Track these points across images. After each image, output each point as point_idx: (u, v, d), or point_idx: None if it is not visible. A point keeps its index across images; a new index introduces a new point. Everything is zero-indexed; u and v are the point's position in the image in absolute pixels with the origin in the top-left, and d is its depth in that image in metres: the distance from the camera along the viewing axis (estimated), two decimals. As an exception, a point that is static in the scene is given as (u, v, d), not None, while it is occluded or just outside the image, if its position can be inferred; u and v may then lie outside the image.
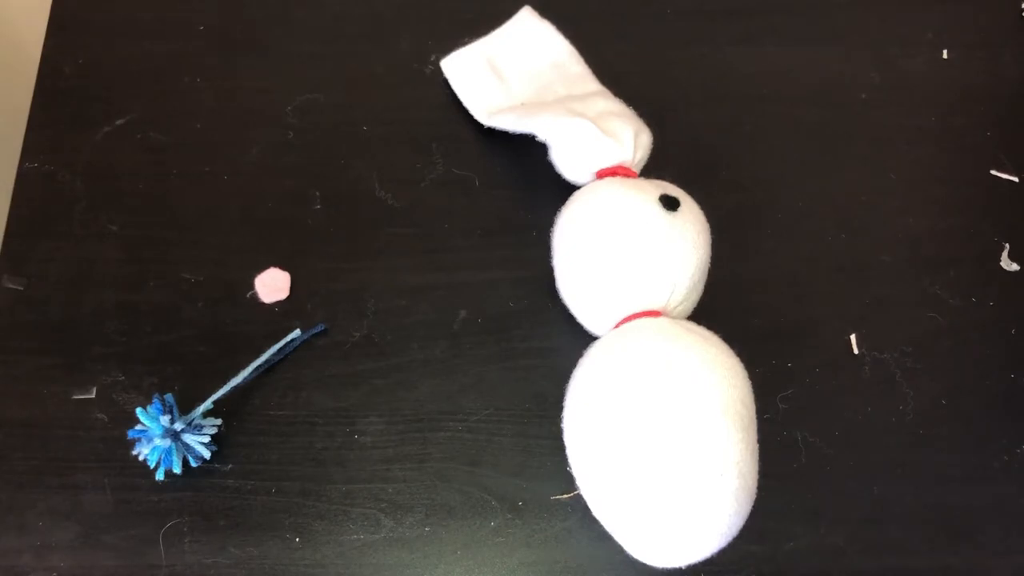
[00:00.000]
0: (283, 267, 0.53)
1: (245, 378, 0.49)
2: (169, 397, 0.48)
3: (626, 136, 0.50)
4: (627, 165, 0.50)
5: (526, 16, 0.60)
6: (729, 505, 0.40)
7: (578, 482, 0.45)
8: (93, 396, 0.50)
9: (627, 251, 0.45)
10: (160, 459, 0.47)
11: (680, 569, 0.44)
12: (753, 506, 0.42)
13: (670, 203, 0.47)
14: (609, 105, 0.53)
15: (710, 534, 0.41)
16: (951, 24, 0.62)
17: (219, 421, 0.49)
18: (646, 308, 0.46)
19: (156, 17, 0.61)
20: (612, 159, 0.50)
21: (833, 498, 0.49)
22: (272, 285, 0.53)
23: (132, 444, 0.47)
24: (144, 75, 0.59)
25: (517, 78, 0.58)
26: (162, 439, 0.46)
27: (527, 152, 0.55)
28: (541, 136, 0.52)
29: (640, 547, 0.43)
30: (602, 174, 0.50)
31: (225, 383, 0.49)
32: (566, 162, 0.51)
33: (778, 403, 0.50)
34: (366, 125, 0.58)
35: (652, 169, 0.51)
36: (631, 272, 0.45)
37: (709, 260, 0.48)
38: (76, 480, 0.48)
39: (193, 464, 0.48)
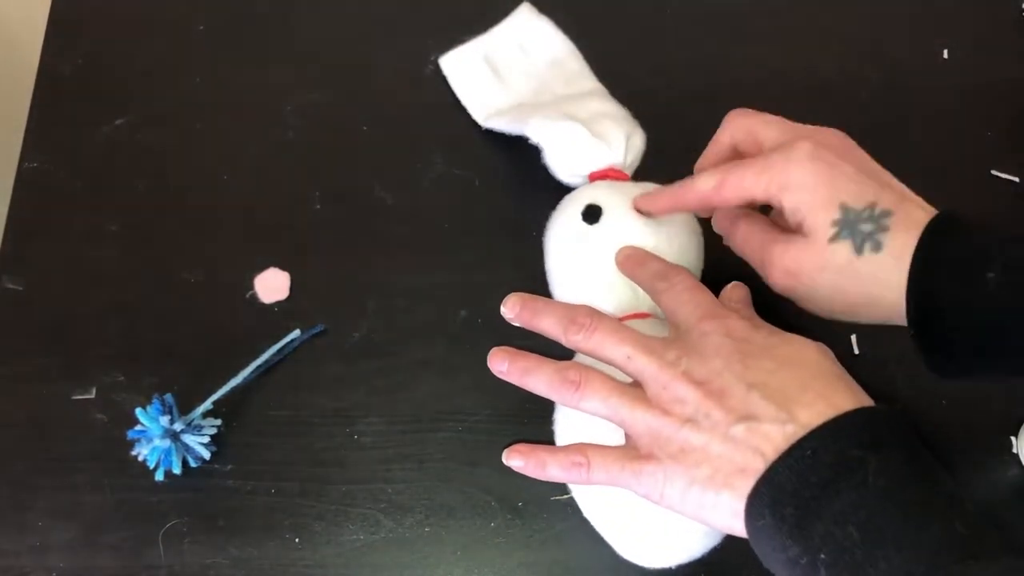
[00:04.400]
0: (283, 267, 0.53)
1: (245, 378, 0.49)
2: (169, 397, 0.48)
3: (617, 139, 0.49)
4: (618, 168, 0.50)
5: (525, 13, 0.60)
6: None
7: (569, 484, 0.45)
8: (93, 396, 0.50)
9: (613, 255, 0.46)
10: (160, 459, 0.47)
11: (670, 569, 0.44)
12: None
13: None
14: (603, 106, 0.53)
15: (703, 535, 0.42)
16: (951, 24, 0.62)
17: (219, 421, 0.49)
18: (636, 311, 0.46)
19: (156, 17, 0.61)
20: (603, 162, 0.49)
21: (833, 498, 0.49)
22: (272, 285, 0.53)
23: (132, 444, 0.47)
24: (144, 75, 0.59)
25: (515, 75, 0.58)
26: (162, 439, 0.46)
27: (527, 152, 0.55)
28: (533, 139, 0.52)
29: (629, 549, 0.43)
30: (594, 176, 0.50)
31: (225, 383, 0.49)
32: (558, 165, 0.51)
33: (778, 403, 0.50)
34: (366, 125, 0.58)
35: (651, 169, 0.51)
36: (618, 276, 0.45)
37: (701, 262, 0.48)
38: (76, 480, 0.48)
39: (193, 464, 0.48)
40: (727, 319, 0.39)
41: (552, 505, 0.48)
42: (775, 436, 0.34)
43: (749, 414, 0.35)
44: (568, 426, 0.44)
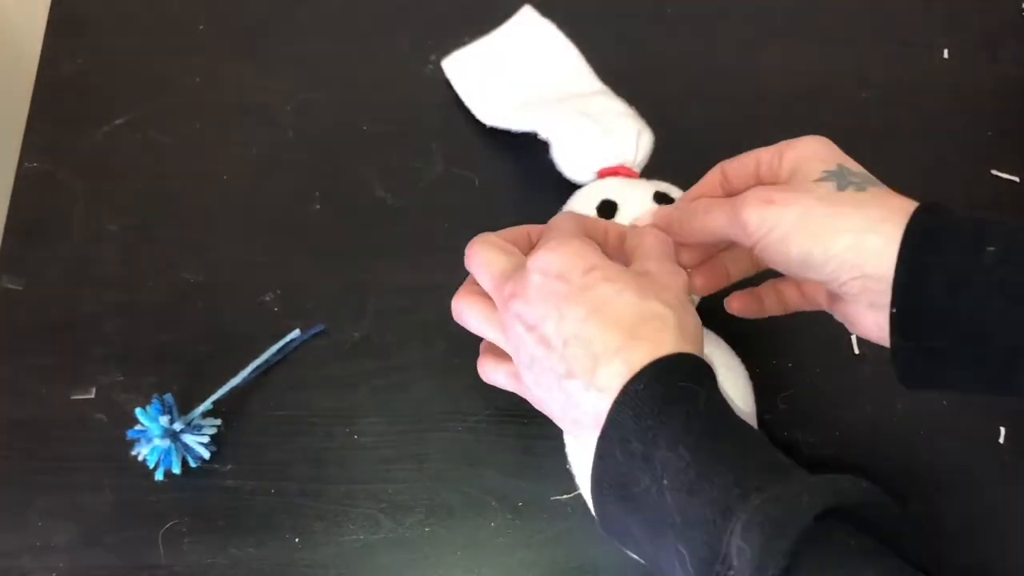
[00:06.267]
0: (283, 267, 0.53)
1: (245, 378, 0.49)
2: (168, 397, 0.48)
3: (628, 136, 0.50)
4: (628, 165, 0.50)
5: (527, 15, 0.60)
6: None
7: (578, 481, 0.45)
8: (93, 396, 0.50)
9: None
10: (159, 459, 0.47)
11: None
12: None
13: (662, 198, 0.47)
14: (611, 104, 0.53)
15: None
16: (951, 24, 0.62)
17: (219, 421, 0.49)
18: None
19: (156, 17, 0.61)
20: (614, 159, 0.49)
21: (833, 498, 0.49)
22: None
23: (132, 444, 0.47)
24: (144, 75, 0.59)
25: (518, 77, 0.58)
26: (161, 439, 0.46)
27: (527, 152, 0.55)
28: (543, 134, 0.52)
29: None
30: (603, 173, 0.50)
31: (225, 383, 0.49)
32: (567, 161, 0.51)
33: (778, 403, 0.50)
34: (366, 125, 0.58)
35: (652, 169, 0.51)
36: None
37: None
38: (76, 480, 0.48)
39: (193, 464, 0.48)
40: (554, 254, 0.37)
41: (552, 505, 0.48)
42: (606, 383, 0.34)
43: (570, 371, 0.35)
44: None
